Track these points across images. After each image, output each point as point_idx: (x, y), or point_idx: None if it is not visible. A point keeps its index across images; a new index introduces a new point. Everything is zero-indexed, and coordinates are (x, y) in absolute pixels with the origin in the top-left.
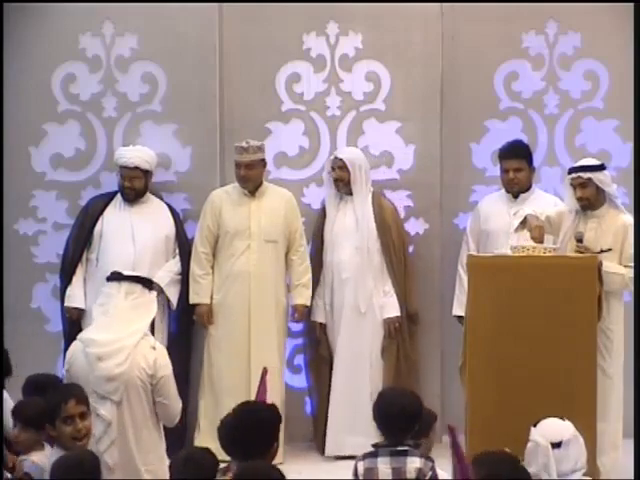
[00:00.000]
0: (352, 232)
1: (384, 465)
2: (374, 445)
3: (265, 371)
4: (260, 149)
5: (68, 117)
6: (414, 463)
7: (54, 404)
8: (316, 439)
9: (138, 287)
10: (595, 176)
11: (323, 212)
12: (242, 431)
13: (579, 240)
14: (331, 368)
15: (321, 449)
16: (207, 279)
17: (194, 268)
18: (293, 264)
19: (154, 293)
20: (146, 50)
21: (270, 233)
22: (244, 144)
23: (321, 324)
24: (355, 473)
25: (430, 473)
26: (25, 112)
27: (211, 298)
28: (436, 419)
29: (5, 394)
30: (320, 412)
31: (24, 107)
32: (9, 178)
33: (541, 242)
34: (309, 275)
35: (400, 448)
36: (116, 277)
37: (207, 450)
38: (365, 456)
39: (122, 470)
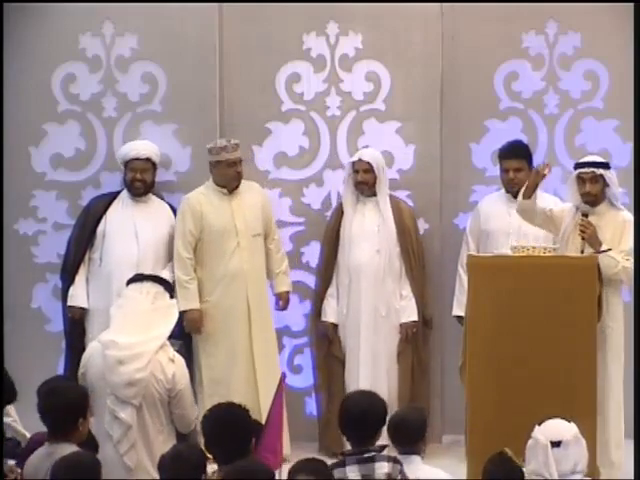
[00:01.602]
0: (372, 234)
1: (353, 474)
2: (341, 454)
3: (283, 377)
4: None
5: (68, 117)
6: (382, 468)
7: (86, 397)
8: (323, 439)
9: (160, 288)
10: (606, 173)
11: (338, 213)
12: (219, 434)
13: (585, 215)
14: (343, 369)
15: (328, 449)
16: (194, 284)
17: (179, 274)
18: (271, 253)
19: (174, 301)
20: (146, 50)
21: (255, 227)
22: (233, 141)
23: (333, 324)
24: None
25: (399, 476)
26: (25, 112)
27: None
28: (426, 424)
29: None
30: (327, 412)
31: (24, 107)
32: (9, 178)
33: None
34: (286, 262)
35: (367, 455)
36: (138, 278)
37: (195, 447)
38: (333, 466)
39: (139, 472)
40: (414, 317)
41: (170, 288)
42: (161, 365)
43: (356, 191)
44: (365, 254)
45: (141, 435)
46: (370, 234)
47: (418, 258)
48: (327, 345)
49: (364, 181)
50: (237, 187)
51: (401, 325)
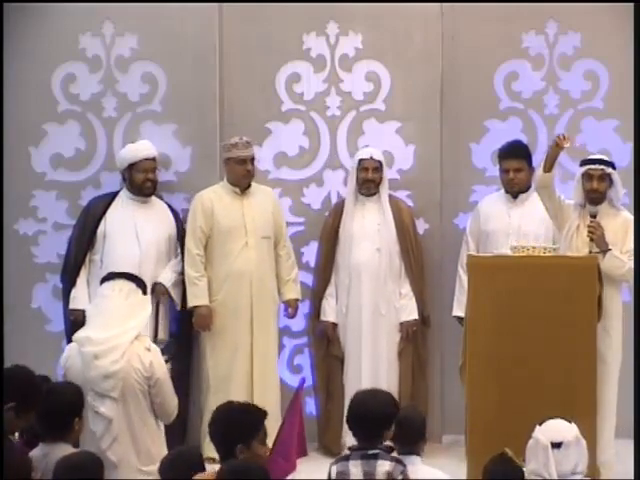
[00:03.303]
0: (373, 233)
1: (355, 468)
2: (349, 448)
3: (302, 382)
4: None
5: (68, 117)
6: (384, 466)
7: (81, 396)
8: (322, 439)
9: (133, 285)
10: (614, 173)
11: (337, 212)
12: (221, 431)
13: (593, 216)
14: (342, 368)
15: (327, 449)
16: (203, 281)
17: (189, 271)
18: (281, 260)
19: (148, 297)
20: (146, 50)
21: (265, 229)
22: (245, 139)
23: (333, 324)
24: (329, 477)
25: (400, 477)
26: (25, 112)
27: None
28: (424, 423)
29: None
30: (326, 412)
31: (24, 107)
32: (9, 178)
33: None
34: (296, 269)
35: (371, 452)
36: (110, 277)
37: (195, 449)
38: (338, 460)
39: (125, 467)
40: (414, 315)
41: (143, 285)
42: (138, 355)
43: (356, 190)
44: (366, 253)
45: (126, 428)
46: (371, 233)
47: (417, 257)
48: (326, 345)
49: (373, 179)
50: (249, 187)
51: (402, 324)
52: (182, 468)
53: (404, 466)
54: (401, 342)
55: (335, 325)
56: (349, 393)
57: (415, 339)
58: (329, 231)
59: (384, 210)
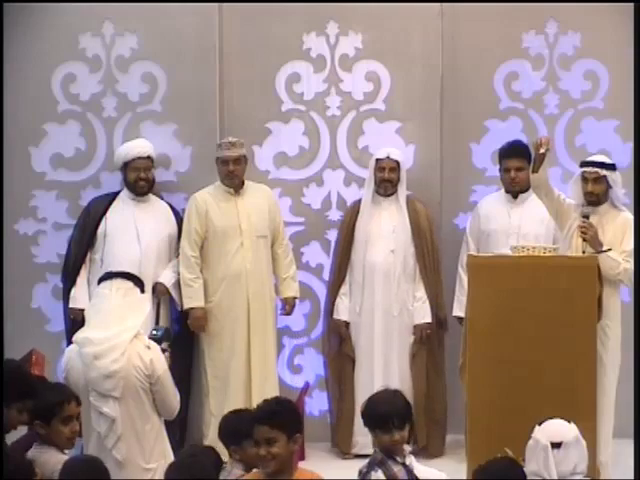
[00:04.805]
0: (388, 234)
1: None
2: None
3: (306, 386)
4: (243, 145)
5: (68, 117)
6: (361, 465)
7: (56, 403)
8: (334, 438)
9: (130, 284)
10: (611, 175)
11: (353, 212)
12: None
13: (585, 216)
14: (353, 367)
15: (338, 448)
16: (199, 283)
17: (184, 273)
18: (279, 258)
19: (146, 295)
20: (146, 50)
21: (261, 228)
22: (229, 139)
23: (346, 322)
24: None
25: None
26: (25, 112)
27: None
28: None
29: None
30: (337, 410)
31: (24, 107)
32: (9, 178)
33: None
34: (294, 267)
35: (374, 448)
36: (107, 276)
37: (211, 449)
38: None
39: (130, 465)
40: (428, 319)
41: (140, 284)
42: (138, 353)
43: (374, 190)
44: (380, 254)
45: (129, 426)
46: (386, 234)
47: (433, 259)
48: (339, 343)
49: (389, 179)
50: (242, 187)
51: (415, 326)
52: (198, 469)
53: (372, 471)
54: (414, 344)
55: (348, 324)
56: (360, 392)
57: (429, 342)
58: (346, 230)
59: (401, 211)
